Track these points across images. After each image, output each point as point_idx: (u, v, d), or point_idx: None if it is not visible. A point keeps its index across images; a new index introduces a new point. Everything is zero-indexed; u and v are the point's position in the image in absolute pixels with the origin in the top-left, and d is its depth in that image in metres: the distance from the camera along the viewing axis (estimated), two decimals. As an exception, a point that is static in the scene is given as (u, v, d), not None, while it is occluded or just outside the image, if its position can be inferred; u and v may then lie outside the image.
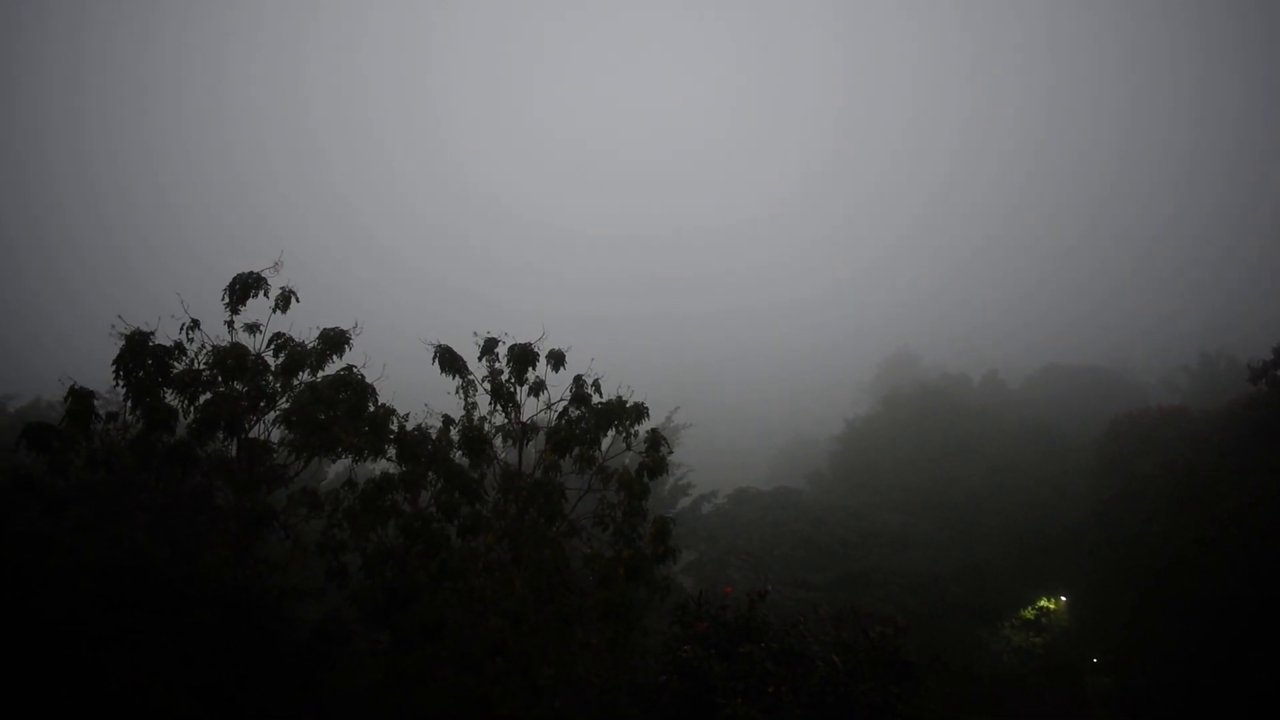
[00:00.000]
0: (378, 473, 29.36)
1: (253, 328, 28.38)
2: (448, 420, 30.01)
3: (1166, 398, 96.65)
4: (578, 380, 30.49)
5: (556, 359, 30.24)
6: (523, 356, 29.92)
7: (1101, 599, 65.22)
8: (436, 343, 30.16)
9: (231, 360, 26.97)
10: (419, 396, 30.13)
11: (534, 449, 32.06)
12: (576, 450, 29.68)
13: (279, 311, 28.59)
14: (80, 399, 25.41)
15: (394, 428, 28.57)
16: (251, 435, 27.91)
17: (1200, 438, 64.31)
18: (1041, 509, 77.85)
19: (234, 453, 27.84)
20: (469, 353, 30.51)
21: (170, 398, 26.53)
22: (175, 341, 26.95)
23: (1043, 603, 72.49)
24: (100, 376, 27.68)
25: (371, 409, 28.38)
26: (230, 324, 27.99)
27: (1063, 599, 72.78)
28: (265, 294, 28.30)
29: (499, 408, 30.39)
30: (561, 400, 30.78)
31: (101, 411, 26.62)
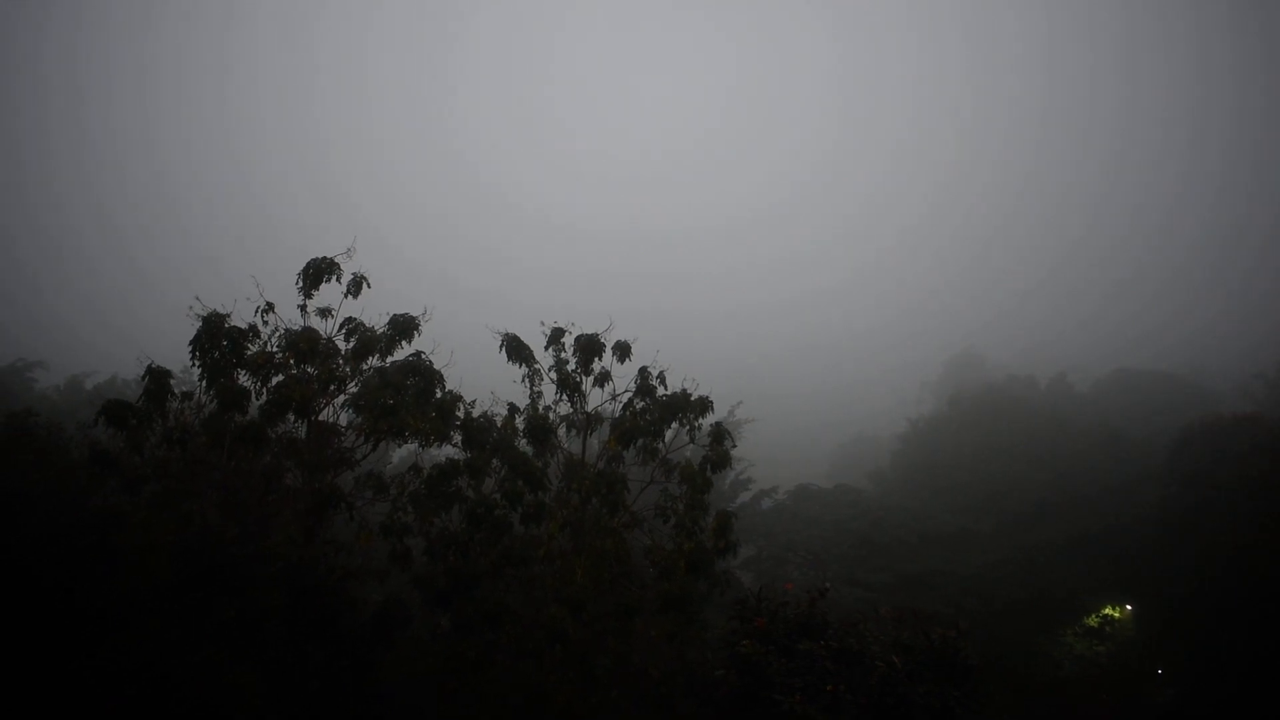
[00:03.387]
0: (443, 458, 29.62)
1: (325, 312, 28.84)
2: (513, 408, 30.19)
3: (1241, 406, 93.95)
4: (643, 372, 30.47)
5: (622, 350, 30.26)
6: (589, 347, 29.99)
7: (1168, 609, 63.65)
8: (504, 331, 30.36)
9: (303, 344, 27.44)
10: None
11: (597, 440, 32.12)
12: (640, 442, 29.72)
13: (350, 297, 28.97)
14: (157, 378, 26.04)
15: (460, 414, 28.81)
16: (321, 418, 28.34)
17: (1276, 447, 62.45)
18: (1108, 515, 76.00)
19: (303, 434, 28.27)
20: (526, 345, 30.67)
21: (243, 379, 27.10)
22: (249, 324, 27.46)
23: (1107, 611, 70.87)
24: (174, 356, 28.38)
25: (439, 395, 28.65)
26: (303, 308, 28.49)
27: (1128, 608, 71.12)
28: (337, 279, 28.69)
29: (564, 397, 30.50)
30: (626, 391, 30.82)
31: (176, 390, 27.13)
